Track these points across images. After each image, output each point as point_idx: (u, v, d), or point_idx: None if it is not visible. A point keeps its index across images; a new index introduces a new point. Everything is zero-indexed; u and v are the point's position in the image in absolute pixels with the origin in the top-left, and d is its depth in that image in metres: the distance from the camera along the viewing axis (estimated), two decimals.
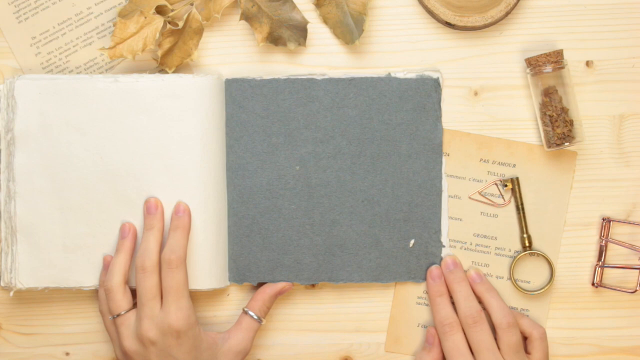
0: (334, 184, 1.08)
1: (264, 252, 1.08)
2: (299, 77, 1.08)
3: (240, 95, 1.08)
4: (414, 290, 1.10)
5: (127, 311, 1.03)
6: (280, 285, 1.08)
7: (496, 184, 1.10)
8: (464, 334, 1.06)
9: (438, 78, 1.08)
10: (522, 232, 1.09)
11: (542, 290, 1.09)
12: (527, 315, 1.09)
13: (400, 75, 1.08)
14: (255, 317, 1.07)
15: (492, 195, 1.10)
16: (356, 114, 1.08)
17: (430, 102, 1.08)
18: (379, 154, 1.08)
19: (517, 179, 1.09)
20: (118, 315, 1.03)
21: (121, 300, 1.03)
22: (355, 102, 1.08)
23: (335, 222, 1.08)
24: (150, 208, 1.05)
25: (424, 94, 1.08)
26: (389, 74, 1.08)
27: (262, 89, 1.08)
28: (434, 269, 1.08)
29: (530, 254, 1.10)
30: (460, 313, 1.06)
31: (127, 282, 1.04)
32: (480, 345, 1.04)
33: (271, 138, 1.08)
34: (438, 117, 1.08)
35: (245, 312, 1.07)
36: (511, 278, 1.10)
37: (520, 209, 1.09)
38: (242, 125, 1.08)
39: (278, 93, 1.08)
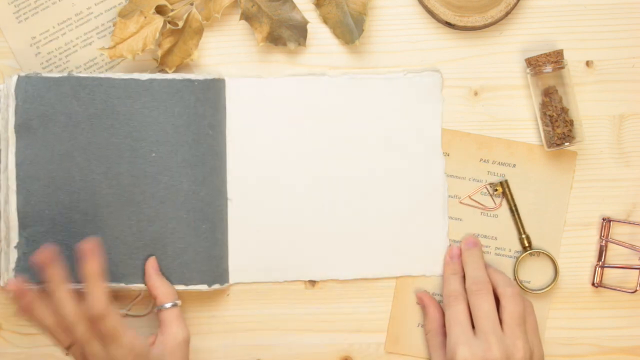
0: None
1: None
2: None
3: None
4: (414, 291, 1.10)
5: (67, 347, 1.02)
6: (151, 260, 1.05)
7: (486, 188, 1.10)
8: (468, 306, 1.05)
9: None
10: (519, 233, 1.09)
11: (548, 288, 1.09)
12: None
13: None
14: (170, 304, 1.05)
15: (486, 194, 1.10)
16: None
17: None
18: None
19: (506, 181, 1.09)
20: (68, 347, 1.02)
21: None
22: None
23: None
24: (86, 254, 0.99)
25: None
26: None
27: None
28: (454, 248, 1.08)
29: (530, 254, 1.10)
30: (467, 281, 1.06)
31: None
32: (480, 312, 1.03)
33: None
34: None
35: (160, 310, 1.05)
36: (516, 279, 1.09)
37: (514, 211, 1.09)
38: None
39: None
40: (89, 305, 0.98)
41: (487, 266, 1.08)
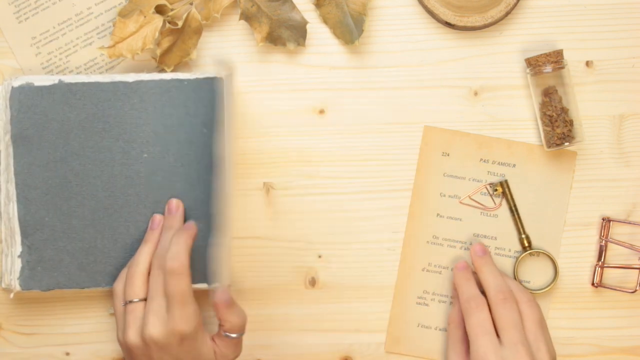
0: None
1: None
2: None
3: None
4: (414, 290, 1.10)
5: (140, 300, 1.03)
6: (220, 292, 1.03)
7: (486, 188, 1.10)
8: (490, 312, 1.04)
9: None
10: (519, 233, 1.09)
11: (547, 288, 1.09)
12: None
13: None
14: (236, 335, 1.04)
15: (486, 194, 1.10)
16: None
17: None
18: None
19: (506, 181, 1.09)
20: (130, 302, 1.03)
21: (140, 288, 1.03)
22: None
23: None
24: (171, 209, 1.06)
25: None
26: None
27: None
28: (461, 262, 1.08)
29: (530, 254, 1.10)
30: (490, 290, 1.05)
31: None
32: (508, 322, 1.03)
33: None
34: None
35: (226, 335, 1.04)
36: (516, 279, 1.09)
37: (514, 211, 1.09)
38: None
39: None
40: (170, 256, 1.01)
41: (475, 261, 1.08)
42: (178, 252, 1.02)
